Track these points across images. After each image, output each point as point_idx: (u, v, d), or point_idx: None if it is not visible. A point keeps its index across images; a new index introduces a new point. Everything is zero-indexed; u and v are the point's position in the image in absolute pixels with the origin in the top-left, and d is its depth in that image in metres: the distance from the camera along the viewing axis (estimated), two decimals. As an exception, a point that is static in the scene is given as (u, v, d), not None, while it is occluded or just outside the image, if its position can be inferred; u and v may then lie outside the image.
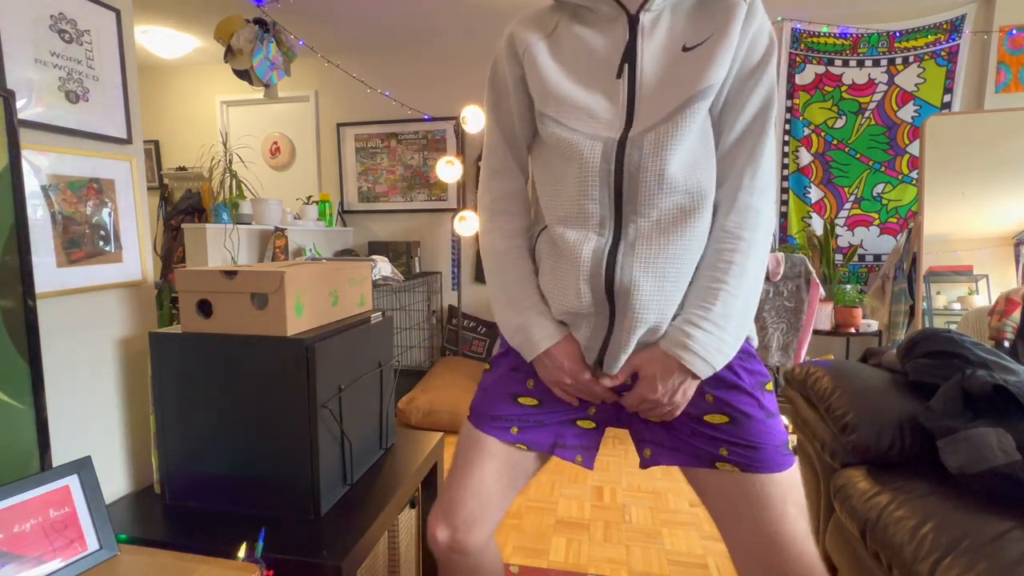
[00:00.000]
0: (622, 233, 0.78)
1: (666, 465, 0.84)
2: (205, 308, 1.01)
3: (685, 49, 0.79)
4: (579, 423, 0.88)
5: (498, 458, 0.87)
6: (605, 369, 0.82)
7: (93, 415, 1.08)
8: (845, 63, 3.25)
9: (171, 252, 2.72)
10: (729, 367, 0.80)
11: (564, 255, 0.81)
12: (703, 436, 0.81)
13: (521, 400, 0.88)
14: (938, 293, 3.45)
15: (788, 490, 0.78)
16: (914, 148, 3.22)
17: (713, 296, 0.76)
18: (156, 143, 4.21)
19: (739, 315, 0.76)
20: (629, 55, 0.80)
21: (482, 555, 0.90)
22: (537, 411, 0.87)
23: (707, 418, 0.80)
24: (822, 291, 2.70)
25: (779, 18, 3.27)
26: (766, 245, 0.79)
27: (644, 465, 0.87)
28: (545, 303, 0.85)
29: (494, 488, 0.87)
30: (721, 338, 0.75)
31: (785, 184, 3.42)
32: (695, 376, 0.77)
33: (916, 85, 3.19)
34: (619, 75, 0.80)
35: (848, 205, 3.34)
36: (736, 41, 0.77)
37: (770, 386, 0.83)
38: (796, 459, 0.81)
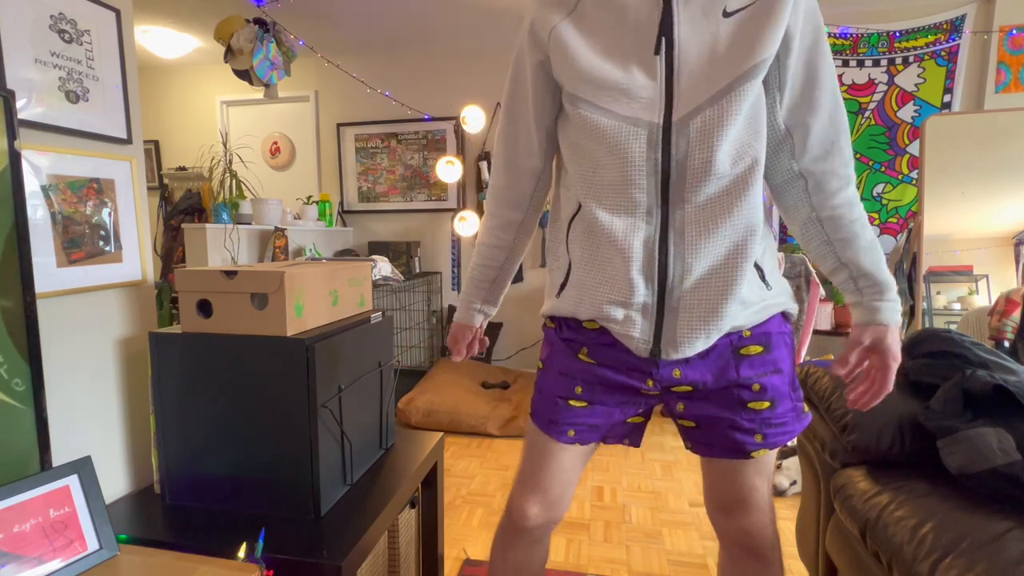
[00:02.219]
0: (669, 220, 0.76)
1: (713, 457, 0.88)
2: (205, 308, 1.01)
3: (727, 14, 0.72)
4: (629, 421, 0.92)
5: (564, 450, 0.91)
6: (664, 357, 0.81)
7: (93, 415, 1.08)
8: (845, 63, 3.25)
9: (171, 252, 2.72)
10: (774, 343, 0.83)
11: (610, 245, 0.79)
12: (742, 429, 0.83)
13: (572, 403, 0.89)
14: (938, 293, 3.45)
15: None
16: (914, 148, 3.22)
17: (874, 267, 0.80)
18: (156, 143, 4.21)
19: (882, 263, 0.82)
20: (665, 24, 0.73)
21: (548, 534, 0.98)
22: (588, 412, 0.88)
23: (751, 405, 0.82)
24: (822, 291, 2.70)
25: (779, 18, 3.27)
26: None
27: (694, 451, 0.92)
28: (490, 300, 1.02)
29: (570, 471, 0.93)
30: (893, 296, 0.81)
31: (785, 184, 3.42)
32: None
33: (916, 85, 3.19)
34: (657, 51, 0.74)
35: (848, 205, 3.34)
36: (789, 7, 0.71)
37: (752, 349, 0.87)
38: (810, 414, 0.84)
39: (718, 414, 0.84)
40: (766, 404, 0.82)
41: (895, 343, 0.80)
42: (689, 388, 0.84)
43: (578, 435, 0.90)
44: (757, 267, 0.80)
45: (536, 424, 0.93)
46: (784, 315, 0.86)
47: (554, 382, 0.90)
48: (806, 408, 0.87)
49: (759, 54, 0.71)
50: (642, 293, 0.78)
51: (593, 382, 0.87)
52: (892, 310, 0.80)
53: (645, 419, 0.93)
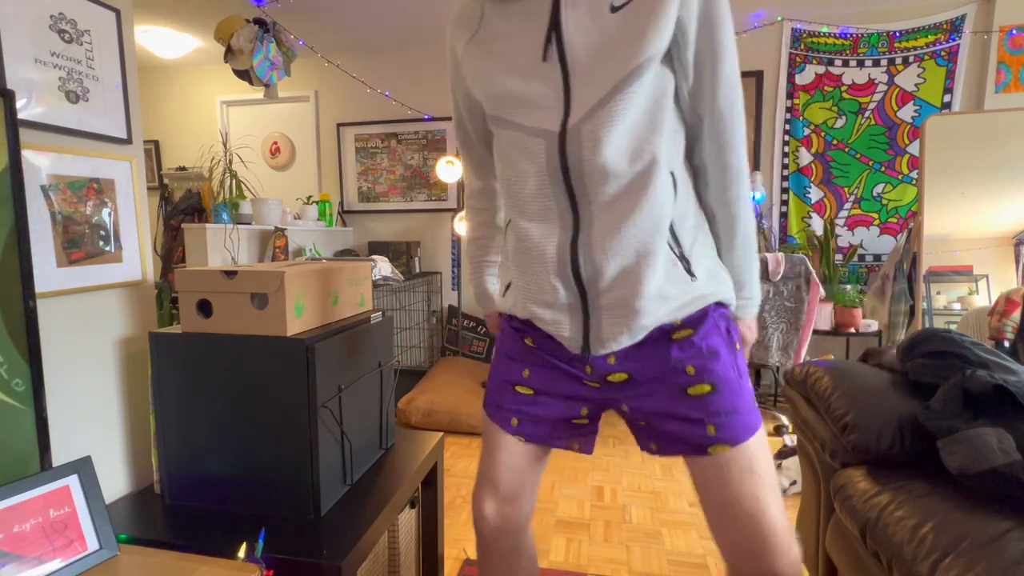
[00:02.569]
0: (581, 224, 0.78)
1: (672, 455, 0.83)
2: (205, 308, 1.01)
3: (613, 9, 0.71)
4: (574, 421, 0.89)
5: (511, 442, 0.91)
6: (594, 353, 0.81)
7: (93, 415, 1.08)
8: (845, 63, 3.25)
9: (171, 252, 2.72)
10: (705, 329, 0.80)
11: (530, 252, 0.82)
12: (689, 419, 0.79)
13: (519, 389, 0.89)
14: (938, 293, 3.45)
15: (762, 451, 0.79)
16: (914, 148, 3.22)
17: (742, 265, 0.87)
18: (156, 143, 4.22)
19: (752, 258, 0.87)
20: (554, 28, 0.73)
21: (522, 537, 0.96)
22: (533, 402, 0.88)
23: (691, 391, 0.79)
24: (822, 291, 2.70)
25: (779, 18, 3.27)
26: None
27: (655, 453, 0.88)
28: (490, 279, 1.06)
29: (521, 468, 0.91)
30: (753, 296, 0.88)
31: (785, 184, 3.42)
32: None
33: (916, 85, 3.19)
34: (545, 57, 0.74)
35: (848, 205, 3.34)
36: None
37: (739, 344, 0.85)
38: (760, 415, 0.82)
39: (662, 407, 0.81)
40: (707, 388, 0.78)
41: (748, 330, 0.90)
42: (625, 376, 0.82)
43: (521, 426, 0.89)
44: (683, 259, 0.79)
45: (485, 412, 0.94)
46: (720, 305, 0.83)
47: (502, 366, 0.91)
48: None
49: (644, 51, 0.70)
50: (563, 295, 0.80)
51: (538, 365, 0.88)
52: (743, 308, 0.88)
53: (591, 422, 0.90)
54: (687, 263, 0.79)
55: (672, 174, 0.77)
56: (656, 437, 0.84)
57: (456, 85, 0.91)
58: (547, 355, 0.87)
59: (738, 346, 0.83)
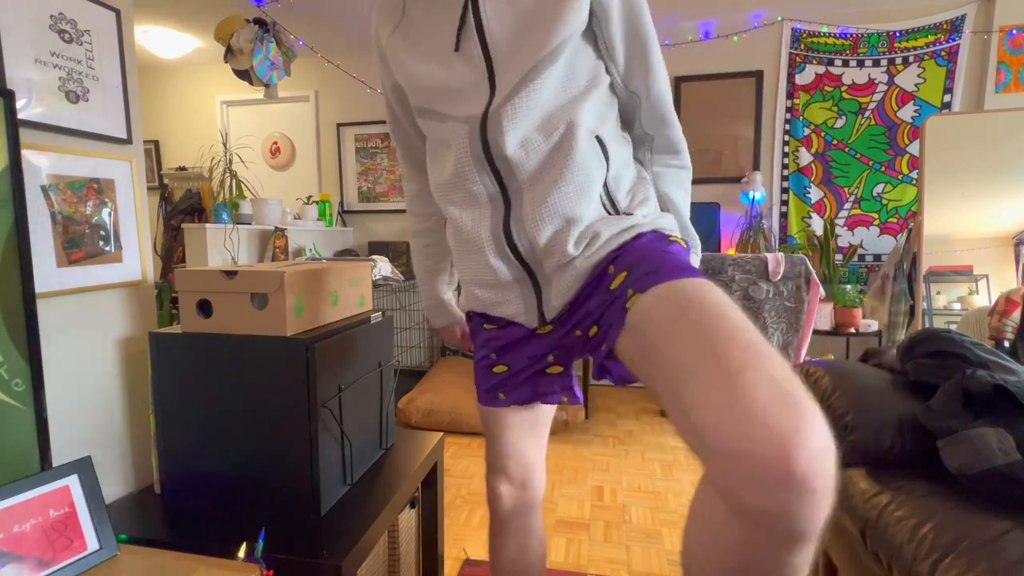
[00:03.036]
0: (511, 201, 0.79)
1: (614, 360, 0.73)
2: (205, 308, 1.01)
3: None
4: (547, 371, 0.92)
5: (509, 420, 0.95)
6: (546, 314, 0.83)
7: (93, 415, 1.08)
8: (845, 63, 3.25)
9: (171, 252, 2.71)
10: (640, 243, 0.76)
11: (468, 240, 0.83)
12: (611, 305, 0.71)
13: (495, 370, 0.93)
14: (938, 293, 3.45)
15: (704, 291, 0.61)
16: (914, 148, 3.22)
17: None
18: (156, 143, 4.22)
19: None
20: (474, 14, 0.75)
21: (534, 516, 1.01)
22: (510, 375, 0.92)
23: (612, 285, 0.72)
24: (822, 291, 2.71)
25: (779, 18, 3.27)
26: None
27: (612, 377, 0.79)
28: (445, 288, 1.09)
29: (525, 442, 0.96)
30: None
31: (785, 184, 3.42)
32: None
33: (916, 85, 3.19)
34: (458, 47, 0.76)
35: (848, 205, 3.34)
36: None
37: (675, 239, 0.80)
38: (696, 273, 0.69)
39: (595, 308, 0.75)
40: (623, 274, 0.71)
41: None
42: (566, 307, 0.81)
43: (509, 395, 0.92)
44: (610, 200, 0.79)
45: (479, 401, 0.97)
46: (658, 232, 0.79)
47: (478, 355, 0.96)
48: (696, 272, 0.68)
49: (560, 33, 0.72)
50: (506, 274, 0.82)
51: (500, 346, 0.91)
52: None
53: (564, 367, 0.92)
54: (614, 205, 0.81)
55: (599, 139, 0.78)
56: (598, 343, 0.74)
57: (385, 77, 0.92)
58: (504, 331, 0.90)
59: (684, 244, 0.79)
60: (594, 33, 0.79)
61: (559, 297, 0.80)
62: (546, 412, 0.99)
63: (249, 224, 2.74)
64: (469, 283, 0.89)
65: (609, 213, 0.79)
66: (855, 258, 3.36)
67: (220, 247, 2.54)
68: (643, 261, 0.71)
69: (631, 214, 0.79)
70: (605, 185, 0.79)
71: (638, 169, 0.87)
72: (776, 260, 2.69)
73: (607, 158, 0.79)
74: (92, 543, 0.84)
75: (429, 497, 1.38)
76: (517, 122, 0.74)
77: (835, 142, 3.31)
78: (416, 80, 0.81)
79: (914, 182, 3.24)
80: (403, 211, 3.86)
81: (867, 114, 3.25)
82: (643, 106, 0.85)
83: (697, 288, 0.61)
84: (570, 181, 0.75)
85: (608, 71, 0.82)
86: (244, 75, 2.51)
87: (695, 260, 0.89)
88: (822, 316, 3.04)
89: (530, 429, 0.97)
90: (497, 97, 0.75)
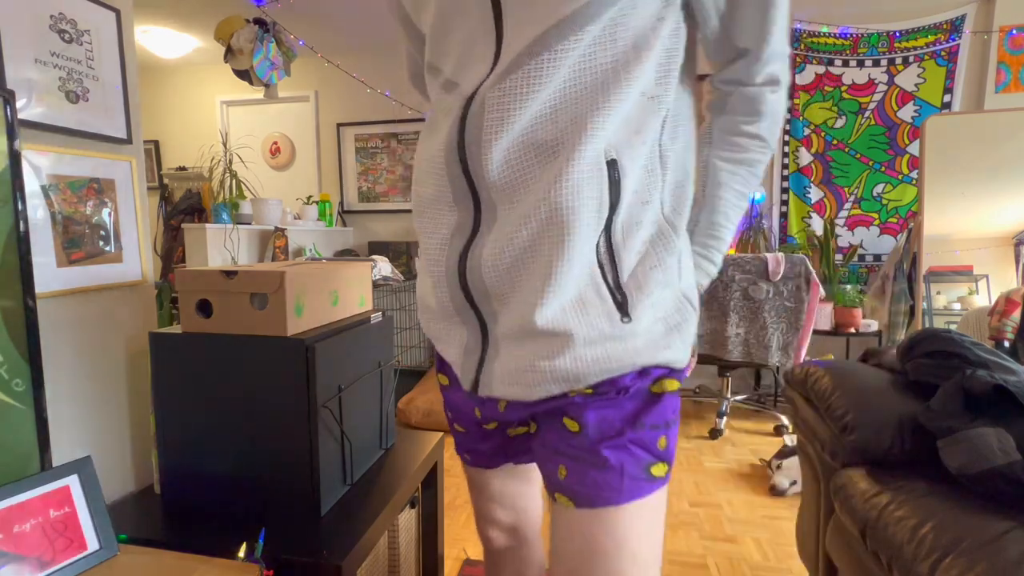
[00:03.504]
0: (481, 218, 0.60)
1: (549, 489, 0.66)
2: (205, 308, 1.01)
3: None
4: (511, 438, 0.78)
5: (483, 475, 0.84)
6: (481, 390, 0.64)
7: (93, 415, 1.08)
8: (845, 63, 3.25)
9: (171, 252, 2.71)
10: (624, 400, 0.61)
11: (424, 244, 0.66)
12: (546, 447, 0.64)
13: (456, 427, 0.81)
14: (938, 293, 3.45)
15: (629, 531, 0.59)
16: (914, 148, 3.22)
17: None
18: (156, 143, 4.22)
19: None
20: None
21: (532, 549, 0.92)
22: (467, 436, 0.80)
23: (565, 419, 0.62)
24: (822, 291, 2.70)
25: (779, 18, 3.27)
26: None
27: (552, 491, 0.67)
28: None
29: (512, 487, 0.84)
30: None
31: (785, 184, 3.42)
32: None
33: (916, 85, 3.19)
34: None
35: (848, 205, 3.34)
36: None
37: (672, 384, 0.62)
38: (662, 486, 0.61)
39: (540, 438, 0.66)
40: (574, 427, 0.61)
41: None
42: (523, 429, 0.73)
43: (475, 459, 0.81)
44: (615, 289, 0.57)
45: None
46: (661, 369, 0.61)
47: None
48: (663, 470, 0.60)
49: None
50: (448, 305, 0.65)
51: (448, 400, 0.79)
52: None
53: (529, 429, 0.73)
54: (620, 296, 0.57)
55: (613, 164, 0.55)
56: (545, 471, 0.67)
57: (399, 19, 0.74)
58: (452, 383, 0.76)
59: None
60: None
61: (503, 384, 0.62)
62: (520, 472, 0.85)
63: (249, 224, 2.74)
64: (420, 294, 0.71)
65: (602, 278, 0.57)
66: (855, 258, 3.36)
67: (220, 247, 2.54)
68: (595, 430, 0.59)
69: (626, 294, 0.58)
70: (609, 229, 0.56)
71: (661, 211, 0.60)
72: (776, 260, 2.69)
73: (619, 191, 0.55)
74: (92, 543, 0.84)
75: (429, 497, 1.38)
76: (505, 112, 0.54)
77: (835, 142, 3.31)
78: (430, 32, 0.63)
79: (914, 182, 3.24)
80: (403, 211, 3.86)
81: (867, 114, 3.25)
82: (748, 63, 0.62)
83: (632, 529, 0.59)
84: (555, 219, 0.54)
85: (689, 18, 0.59)
86: (244, 75, 2.51)
87: (685, 348, 0.63)
88: (822, 316, 3.04)
89: (516, 475, 0.84)
90: (496, 70, 0.55)
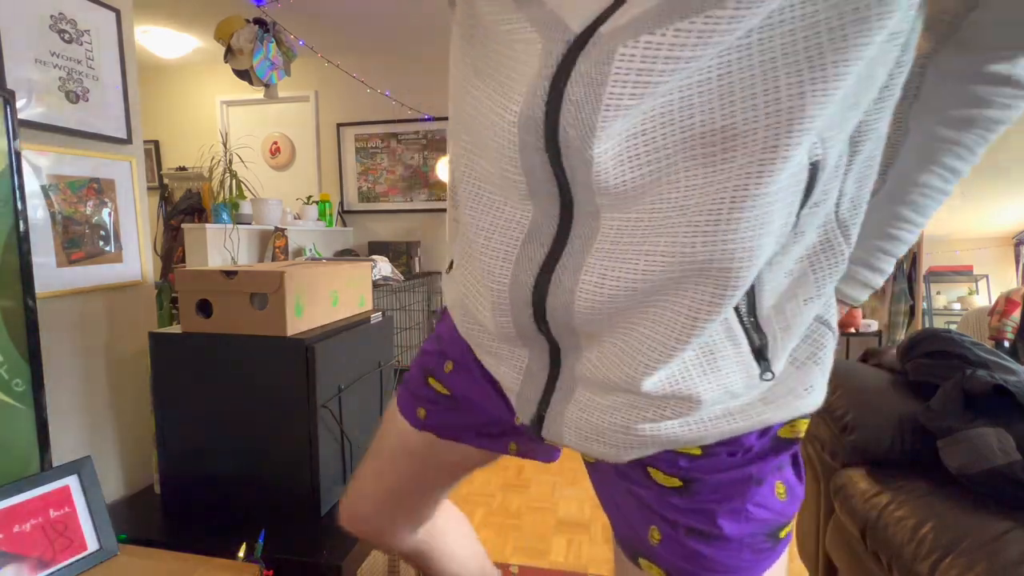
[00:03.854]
0: (572, 226, 0.40)
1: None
2: (205, 308, 1.01)
3: None
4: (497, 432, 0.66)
5: (411, 447, 0.68)
6: (545, 432, 0.50)
7: (93, 415, 1.08)
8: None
9: (171, 252, 2.71)
10: (727, 489, 0.47)
11: (473, 248, 0.46)
12: (640, 502, 0.50)
13: (431, 381, 0.65)
14: (938, 293, 3.45)
15: None
16: (914, 148, 3.22)
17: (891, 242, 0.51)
18: (156, 143, 4.21)
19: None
20: None
21: (430, 538, 0.76)
22: (447, 401, 0.64)
23: (652, 471, 0.49)
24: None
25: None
26: None
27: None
28: None
29: (414, 491, 0.70)
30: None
31: (785, 184, 3.42)
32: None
33: (916, 85, 3.19)
34: None
35: (848, 205, 3.34)
36: None
37: (804, 424, 0.48)
38: (783, 554, 0.49)
39: (610, 480, 0.54)
40: (675, 482, 0.48)
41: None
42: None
43: (431, 418, 0.65)
44: (751, 329, 0.41)
45: (395, 401, 0.71)
46: (774, 447, 0.47)
47: (428, 342, 0.69)
48: (789, 528, 0.49)
49: None
50: (511, 330, 0.47)
51: (467, 366, 0.61)
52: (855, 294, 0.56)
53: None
54: (759, 339, 0.42)
55: (816, 167, 0.36)
56: (603, 494, 0.57)
57: None
58: (473, 366, 0.60)
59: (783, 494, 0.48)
60: None
61: (574, 429, 0.48)
62: (473, 459, 0.69)
63: (249, 224, 2.74)
64: (463, 290, 0.51)
65: (737, 309, 0.41)
66: (855, 258, 3.36)
67: (220, 247, 2.53)
68: (708, 519, 0.47)
69: (765, 350, 0.42)
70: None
71: (836, 224, 0.42)
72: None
73: (803, 202, 0.37)
74: (92, 543, 0.84)
75: (429, 497, 1.38)
76: (646, 90, 0.34)
77: (835, 142, 3.31)
78: None
79: (914, 182, 3.24)
80: (402, 211, 3.86)
81: (867, 114, 3.25)
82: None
83: None
84: (707, 273, 0.37)
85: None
86: (244, 75, 2.51)
87: (824, 382, 0.46)
88: (822, 316, 3.04)
89: (439, 474, 0.69)
90: (628, 5, 0.34)
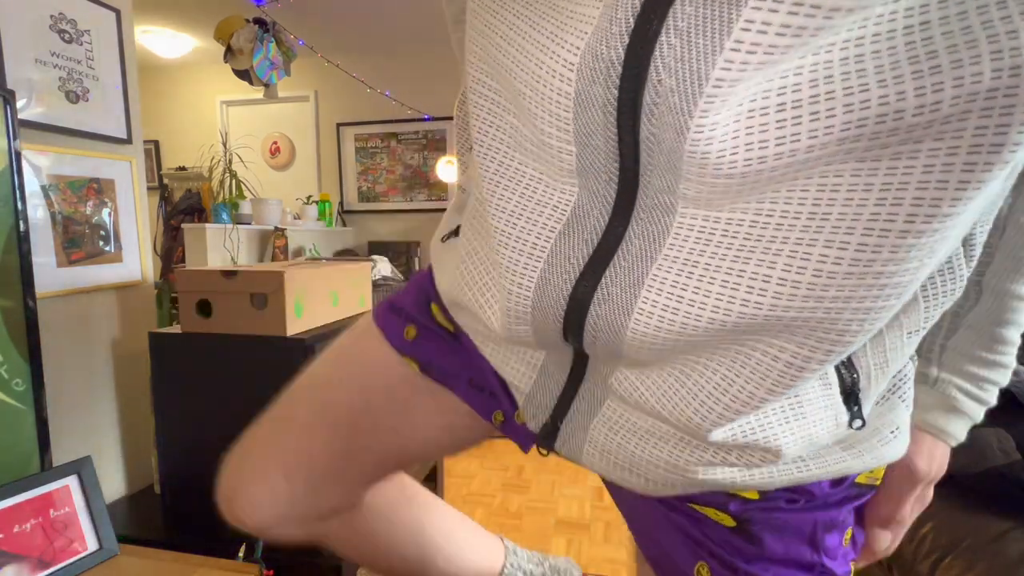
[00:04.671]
0: (631, 221, 0.31)
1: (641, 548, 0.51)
2: (205, 308, 1.01)
3: None
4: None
5: (377, 388, 0.52)
6: (561, 446, 0.42)
7: (93, 415, 1.08)
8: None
9: (171, 252, 2.71)
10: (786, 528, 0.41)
11: (488, 238, 0.37)
12: (684, 532, 0.44)
13: (434, 309, 0.51)
14: (938, 293, 3.44)
15: None
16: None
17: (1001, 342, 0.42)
18: (156, 143, 4.21)
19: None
20: None
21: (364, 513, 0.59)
22: (447, 339, 0.50)
23: (700, 508, 0.42)
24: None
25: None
26: None
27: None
28: None
29: (355, 448, 0.52)
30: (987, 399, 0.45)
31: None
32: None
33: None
34: None
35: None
36: None
37: (882, 470, 0.43)
38: None
39: (644, 505, 0.46)
40: (727, 520, 0.41)
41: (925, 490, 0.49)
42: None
43: (419, 341, 0.50)
44: (847, 371, 0.34)
45: (373, 318, 0.55)
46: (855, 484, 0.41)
47: (410, 284, 0.57)
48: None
49: None
50: (530, 338, 0.37)
51: (433, 336, 0.51)
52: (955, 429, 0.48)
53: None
54: (851, 377, 0.34)
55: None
56: (628, 512, 0.51)
57: None
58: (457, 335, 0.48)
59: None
60: None
61: (606, 462, 0.40)
62: (442, 435, 0.54)
63: (249, 224, 2.74)
64: (464, 275, 0.40)
65: (837, 366, 0.34)
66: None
67: (220, 247, 2.53)
68: (764, 535, 0.40)
69: (857, 391, 0.35)
70: None
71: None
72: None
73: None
74: (92, 543, 0.84)
75: (429, 497, 1.38)
76: (789, 44, 0.23)
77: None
78: None
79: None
80: (402, 211, 3.86)
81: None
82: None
83: None
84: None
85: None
86: (244, 75, 2.51)
87: (908, 420, 0.40)
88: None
89: (395, 439, 0.52)
90: None
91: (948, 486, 1.05)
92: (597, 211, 0.31)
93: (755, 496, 0.39)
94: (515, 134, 0.33)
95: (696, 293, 0.29)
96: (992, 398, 0.46)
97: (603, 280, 0.32)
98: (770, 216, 0.26)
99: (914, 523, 0.95)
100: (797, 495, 0.39)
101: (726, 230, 0.28)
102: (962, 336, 0.41)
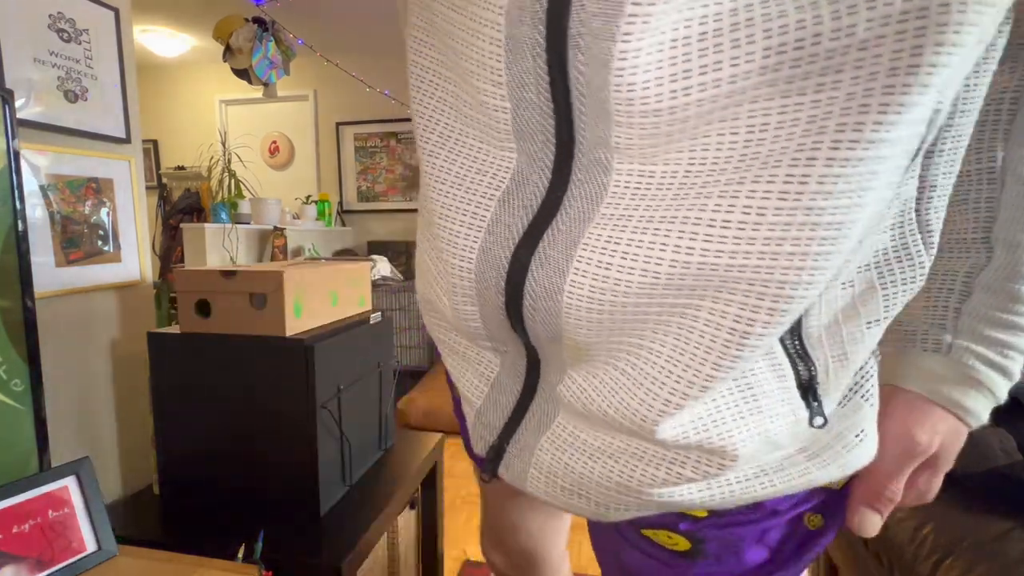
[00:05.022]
0: (567, 190, 0.31)
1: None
2: (203, 308, 1.00)
3: None
4: None
5: (503, 486, 0.57)
6: (504, 470, 0.41)
7: (92, 415, 1.08)
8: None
9: (170, 252, 2.71)
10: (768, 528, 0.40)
11: (431, 217, 0.37)
12: (645, 558, 0.43)
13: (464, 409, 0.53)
14: (937, 293, 3.45)
15: None
16: (913, 148, 3.22)
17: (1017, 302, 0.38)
18: (155, 142, 4.21)
19: None
20: None
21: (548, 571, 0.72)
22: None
23: (647, 531, 0.41)
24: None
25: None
26: None
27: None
28: None
29: (531, 519, 0.65)
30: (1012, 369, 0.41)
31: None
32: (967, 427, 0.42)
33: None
34: None
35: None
36: None
37: (816, 521, 0.40)
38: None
39: (604, 536, 0.48)
40: (683, 544, 0.40)
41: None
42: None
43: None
44: (797, 357, 0.32)
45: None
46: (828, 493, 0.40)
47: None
48: None
49: None
50: (478, 326, 0.38)
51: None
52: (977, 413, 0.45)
53: None
54: (806, 369, 0.32)
55: (940, 108, 0.26)
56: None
57: None
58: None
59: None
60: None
61: (552, 486, 0.38)
62: None
63: (248, 224, 2.73)
64: (419, 268, 0.46)
65: (784, 344, 0.31)
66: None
67: (219, 247, 2.53)
68: (722, 556, 0.39)
69: (814, 387, 0.33)
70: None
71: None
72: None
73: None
74: (91, 544, 0.84)
75: (429, 498, 1.38)
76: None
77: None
78: None
79: (913, 182, 3.25)
80: (402, 211, 3.86)
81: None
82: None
83: None
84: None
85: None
86: (243, 74, 2.50)
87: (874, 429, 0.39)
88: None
89: (539, 505, 0.62)
90: None
91: (949, 486, 1.05)
92: (536, 175, 0.31)
93: (703, 514, 0.38)
94: (455, 102, 0.33)
95: (629, 246, 0.28)
96: (1016, 368, 0.41)
97: (541, 244, 0.31)
98: (703, 164, 0.26)
99: (915, 523, 0.95)
100: (753, 510, 0.38)
101: (660, 183, 0.27)
102: (977, 299, 0.38)
